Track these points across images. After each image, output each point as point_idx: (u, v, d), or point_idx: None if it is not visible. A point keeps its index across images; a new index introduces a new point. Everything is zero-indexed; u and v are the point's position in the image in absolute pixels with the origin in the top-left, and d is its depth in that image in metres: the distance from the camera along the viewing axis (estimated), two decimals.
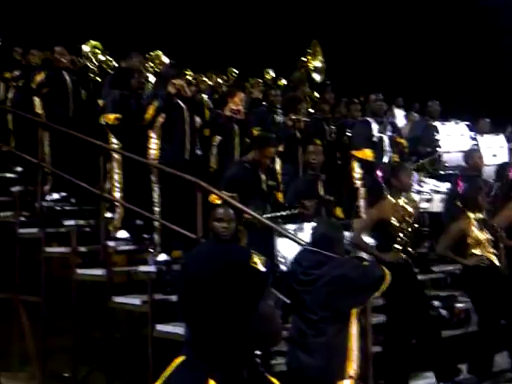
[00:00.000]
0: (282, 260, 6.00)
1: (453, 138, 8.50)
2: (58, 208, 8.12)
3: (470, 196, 6.55)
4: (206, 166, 7.55)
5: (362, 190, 7.94)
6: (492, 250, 6.34)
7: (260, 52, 14.67)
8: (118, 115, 7.46)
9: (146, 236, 7.24)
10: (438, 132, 8.49)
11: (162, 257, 6.65)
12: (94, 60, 8.94)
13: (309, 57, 10.19)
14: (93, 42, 9.11)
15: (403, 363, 5.77)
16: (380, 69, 15.78)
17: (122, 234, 7.33)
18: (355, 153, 8.06)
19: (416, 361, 5.92)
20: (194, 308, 2.93)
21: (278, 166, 7.87)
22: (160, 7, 15.06)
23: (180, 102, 6.92)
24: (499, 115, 11.55)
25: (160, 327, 6.01)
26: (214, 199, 6.05)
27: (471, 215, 6.37)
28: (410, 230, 5.95)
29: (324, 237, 4.80)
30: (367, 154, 7.96)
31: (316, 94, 10.47)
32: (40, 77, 8.39)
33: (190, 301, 2.96)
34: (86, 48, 9.05)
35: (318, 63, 10.19)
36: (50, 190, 8.20)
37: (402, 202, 6.01)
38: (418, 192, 7.45)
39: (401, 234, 5.90)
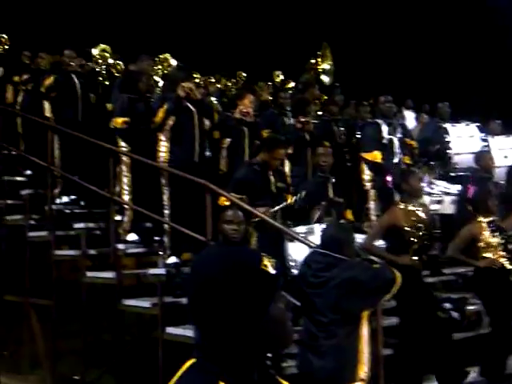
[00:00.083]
0: (293, 264, 5.98)
1: (463, 140, 8.48)
2: (67, 211, 8.13)
3: (480, 200, 6.51)
4: (216, 169, 7.55)
5: (371, 192, 7.91)
6: (503, 253, 6.30)
7: (269, 54, 14.66)
8: (125, 119, 7.47)
9: (155, 238, 7.24)
10: (448, 133, 8.46)
11: (172, 259, 6.65)
12: (102, 63, 8.96)
13: (318, 59, 10.17)
14: (102, 46, 9.13)
15: (416, 366, 5.74)
16: (389, 70, 15.75)
17: (132, 236, 7.34)
18: (364, 155, 8.03)
19: (429, 363, 5.88)
20: (203, 311, 2.91)
21: (287, 168, 7.85)
22: (168, 11, 15.09)
23: (189, 104, 6.93)
24: (510, 116, 11.49)
25: (170, 330, 6.01)
26: (223, 201, 6.03)
27: (482, 219, 6.33)
28: (421, 234, 5.92)
29: (334, 239, 4.78)
30: (376, 156, 7.93)
31: (325, 96, 10.45)
32: (49, 81, 8.41)
33: (199, 303, 2.94)
34: (95, 51, 9.08)
35: (326, 65, 10.18)
36: (59, 193, 8.22)
37: (413, 207, 5.98)
38: (429, 194, 7.42)
39: (412, 239, 5.87)
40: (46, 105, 8.57)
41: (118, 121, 7.51)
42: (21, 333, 7.94)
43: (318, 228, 5.92)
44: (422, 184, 6.64)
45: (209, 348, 2.45)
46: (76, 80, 8.51)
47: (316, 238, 5.43)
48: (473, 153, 7.98)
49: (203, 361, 2.41)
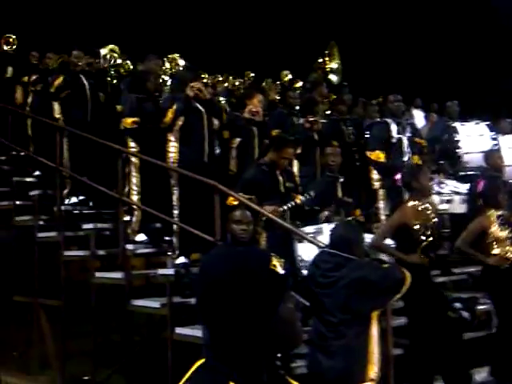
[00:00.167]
0: (302, 264, 5.96)
1: (473, 139, 8.42)
2: (76, 212, 8.15)
3: (490, 194, 6.50)
4: (225, 169, 7.54)
5: (380, 192, 7.87)
6: (511, 248, 6.28)
7: (276, 54, 14.65)
8: (135, 119, 7.48)
9: (164, 239, 7.24)
10: (457, 132, 8.42)
11: (181, 260, 6.64)
12: (111, 63, 8.96)
13: (325, 58, 10.14)
14: (110, 46, 9.14)
15: (427, 366, 5.71)
16: (398, 69, 15.70)
17: (141, 237, 7.34)
18: (368, 153, 7.99)
19: (438, 364, 5.85)
20: (212, 311, 2.90)
21: (295, 168, 7.83)
22: (176, 10, 15.10)
23: (198, 104, 6.93)
24: None
25: (179, 330, 6.00)
26: (232, 201, 6.02)
27: (492, 212, 6.32)
28: (430, 233, 5.89)
29: (343, 239, 4.76)
30: (379, 155, 7.87)
31: (333, 96, 10.42)
32: (58, 81, 8.43)
33: (208, 304, 2.95)
34: (103, 51, 9.08)
35: (334, 64, 10.15)
36: (68, 193, 8.23)
37: (422, 205, 5.94)
38: (439, 193, 7.38)
39: (422, 237, 5.84)
40: (56, 106, 8.58)
41: (128, 121, 7.51)
42: (30, 333, 7.96)
43: (327, 228, 5.90)
44: (432, 183, 6.61)
45: (218, 348, 2.44)
46: (85, 80, 8.53)
47: (325, 238, 5.41)
48: (482, 152, 7.94)
49: (213, 361, 2.41)
